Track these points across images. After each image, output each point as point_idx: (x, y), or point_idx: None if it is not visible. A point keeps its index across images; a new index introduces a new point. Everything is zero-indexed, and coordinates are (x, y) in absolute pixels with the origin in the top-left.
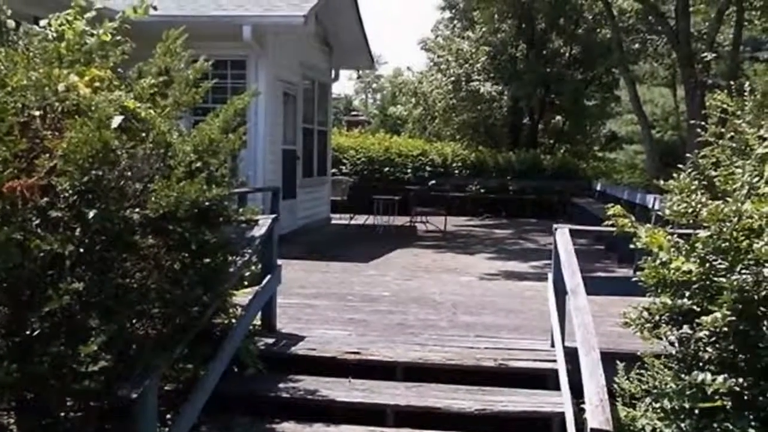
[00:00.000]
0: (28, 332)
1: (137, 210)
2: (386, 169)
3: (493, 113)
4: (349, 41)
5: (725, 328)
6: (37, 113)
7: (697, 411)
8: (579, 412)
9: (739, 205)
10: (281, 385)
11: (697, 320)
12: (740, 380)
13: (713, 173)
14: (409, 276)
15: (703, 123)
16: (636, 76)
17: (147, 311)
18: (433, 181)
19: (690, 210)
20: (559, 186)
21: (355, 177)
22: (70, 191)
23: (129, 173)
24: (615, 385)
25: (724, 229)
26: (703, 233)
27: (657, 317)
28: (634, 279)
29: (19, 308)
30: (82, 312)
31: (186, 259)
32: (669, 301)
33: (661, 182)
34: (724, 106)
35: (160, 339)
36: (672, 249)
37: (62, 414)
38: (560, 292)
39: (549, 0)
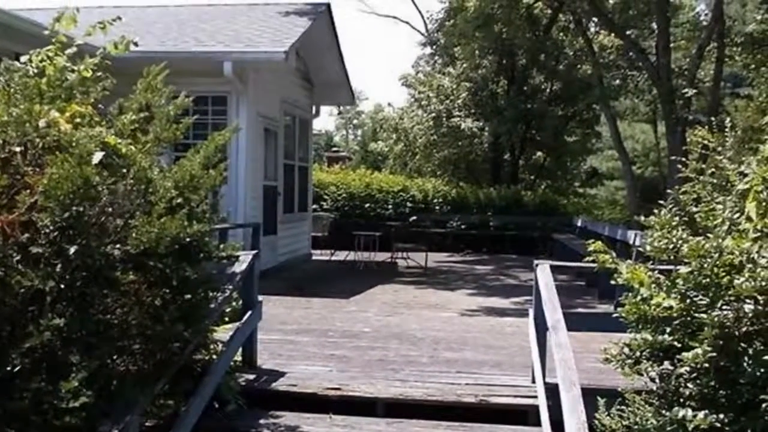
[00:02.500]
0: (8, 368)
1: (118, 246)
2: (367, 205)
3: (474, 149)
4: (330, 77)
5: (706, 364)
6: (17, 149)
7: None
8: None
9: (720, 241)
10: (262, 421)
11: (677, 356)
12: (721, 416)
13: (694, 209)
14: (389, 312)
15: (683, 159)
16: (617, 112)
17: (128, 347)
18: (414, 217)
19: (671, 246)
20: (539, 222)
21: (335, 213)
22: (51, 227)
23: (110, 209)
24: (596, 421)
25: (705, 265)
26: (683, 269)
27: (638, 353)
28: (614, 315)
29: None
30: (63, 348)
31: (167, 295)
32: (650, 337)
33: (642, 218)
34: (705, 142)
35: (141, 375)
36: (653, 285)
37: None
38: (541, 328)
39: (530, 36)
